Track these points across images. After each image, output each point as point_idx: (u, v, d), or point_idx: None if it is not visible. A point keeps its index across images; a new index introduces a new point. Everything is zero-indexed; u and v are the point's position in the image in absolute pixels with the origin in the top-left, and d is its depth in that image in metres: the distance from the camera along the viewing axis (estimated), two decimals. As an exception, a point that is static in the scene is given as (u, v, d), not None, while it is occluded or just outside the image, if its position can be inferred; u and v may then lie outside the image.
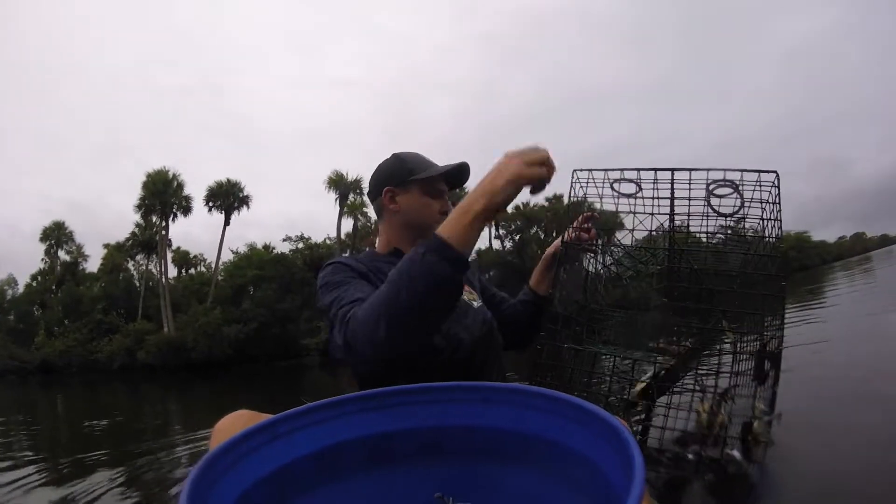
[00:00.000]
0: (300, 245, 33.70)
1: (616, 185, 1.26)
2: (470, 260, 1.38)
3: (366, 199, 31.14)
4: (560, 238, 1.36)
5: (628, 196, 1.27)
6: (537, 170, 0.83)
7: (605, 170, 1.25)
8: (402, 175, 1.19)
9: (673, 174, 1.18)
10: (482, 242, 37.98)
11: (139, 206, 31.95)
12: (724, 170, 1.17)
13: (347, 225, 32.13)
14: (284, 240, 33.87)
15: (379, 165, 1.25)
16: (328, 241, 33.13)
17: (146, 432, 5.37)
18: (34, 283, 36.50)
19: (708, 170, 1.17)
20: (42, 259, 36.45)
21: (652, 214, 1.28)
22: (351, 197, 30.84)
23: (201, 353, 26.12)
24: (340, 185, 30.65)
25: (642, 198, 1.26)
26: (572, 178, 1.26)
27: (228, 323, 26.90)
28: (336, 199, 30.77)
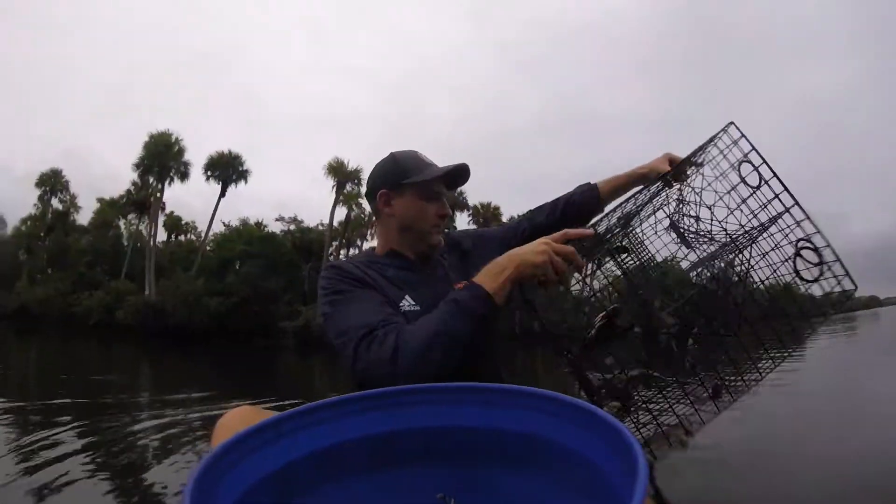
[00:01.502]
0: (292, 227, 34.12)
1: (743, 170, 1.08)
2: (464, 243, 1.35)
3: (362, 189, 30.72)
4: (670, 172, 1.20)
5: (746, 185, 1.09)
6: (559, 264, 0.96)
7: (755, 148, 1.06)
8: (396, 177, 1.17)
9: (792, 206, 1.04)
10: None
11: (137, 166, 32.16)
12: (827, 243, 1.04)
13: (341, 213, 32.52)
14: (277, 219, 34.22)
15: (376, 165, 1.23)
16: (320, 227, 33.40)
17: (114, 390, 5.60)
18: (23, 228, 36.71)
19: (817, 230, 1.04)
20: (34, 204, 36.68)
21: (761, 232, 1.11)
22: (349, 186, 31.04)
23: (179, 320, 26.32)
24: (339, 173, 30.75)
25: (745, 199, 1.10)
26: (726, 126, 1.09)
27: (210, 294, 27.06)
28: (333, 187, 31.00)
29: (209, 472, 0.44)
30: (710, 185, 1.13)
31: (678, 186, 1.20)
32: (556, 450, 0.52)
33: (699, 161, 1.17)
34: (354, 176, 30.99)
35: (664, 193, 1.24)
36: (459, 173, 1.21)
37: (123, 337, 23.83)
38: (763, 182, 1.05)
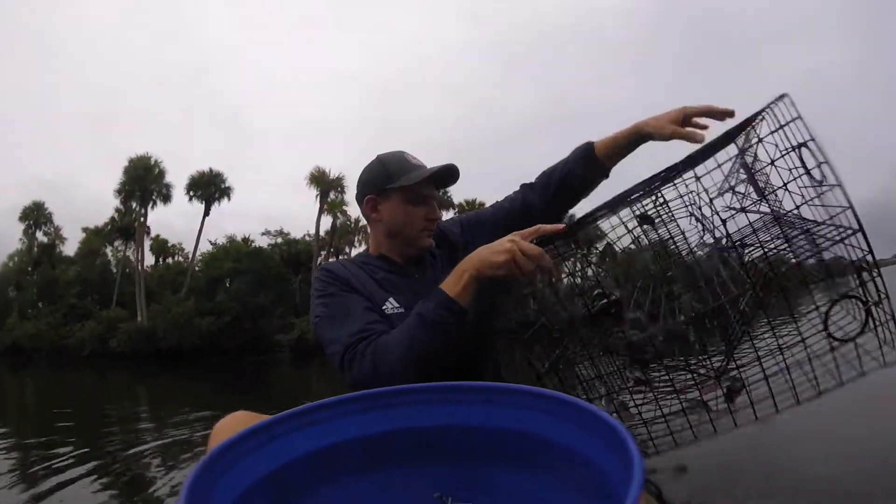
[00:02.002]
0: (279, 240, 34.15)
1: (805, 157, 0.90)
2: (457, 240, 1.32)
3: (346, 197, 30.36)
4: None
5: (810, 177, 0.91)
6: (524, 263, 0.93)
7: (813, 139, 0.88)
8: (382, 182, 1.17)
9: (856, 232, 0.87)
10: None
11: (119, 191, 32.23)
12: (885, 293, 0.88)
13: (327, 223, 32.52)
14: (263, 234, 34.38)
15: (363, 170, 1.23)
16: (307, 238, 33.44)
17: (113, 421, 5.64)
18: (10, 264, 36.71)
19: (869, 250, 0.87)
20: (20, 239, 36.70)
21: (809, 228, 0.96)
22: (332, 195, 30.98)
23: (172, 343, 26.39)
24: (322, 182, 30.72)
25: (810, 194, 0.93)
26: (778, 98, 0.93)
27: (201, 315, 27.12)
28: (316, 196, 31.04)
29: (204, 474, 0.45)
30: (769, 163, 0.94)
31: (741, 146, 1.01)
32: (555, 449, 0.53)
33: (749, 138, 0.98)
34: (337, 184, 31.00)
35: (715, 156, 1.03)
36: (446, 174, 1.19)
37: (117, 365, 23.73)
38: (825, 185, 0.88)
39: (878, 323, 0.87)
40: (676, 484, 1.51)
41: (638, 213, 1.09)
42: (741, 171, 1.01)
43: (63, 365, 23.94)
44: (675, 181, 1.07)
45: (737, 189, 1.02)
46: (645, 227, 1.12)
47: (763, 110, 0.96)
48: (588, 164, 1.20)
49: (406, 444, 0.60)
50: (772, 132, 0.92)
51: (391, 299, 1.13)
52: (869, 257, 0.86)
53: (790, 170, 0.91)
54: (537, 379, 1.05)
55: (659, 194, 1.08)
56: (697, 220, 1.10)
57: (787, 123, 0.89)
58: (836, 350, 0.91)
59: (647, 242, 1.16)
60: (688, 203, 1.11)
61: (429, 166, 1.19)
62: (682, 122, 1.07)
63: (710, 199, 1.00)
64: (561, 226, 0.99)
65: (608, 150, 1.19)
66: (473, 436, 0.59)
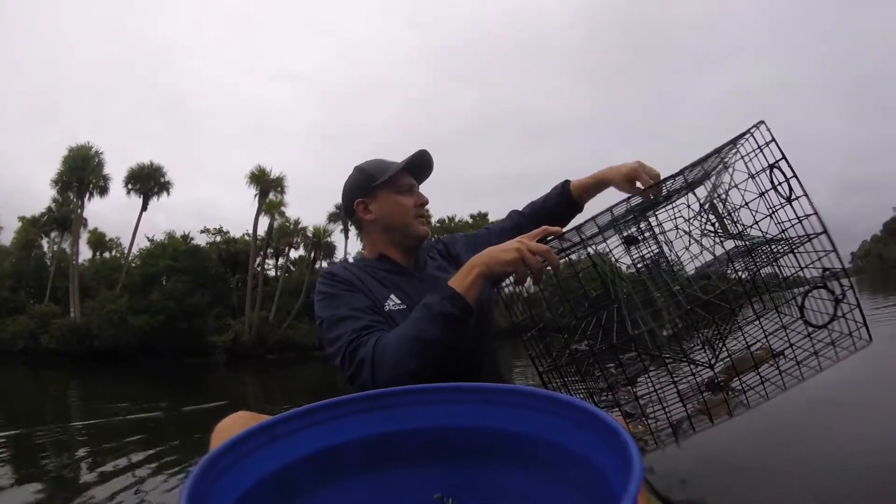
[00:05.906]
0: (218, 238, 34.95)
1: (775, 176, 0.99)
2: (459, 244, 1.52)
3: (285, 198, 31.16)
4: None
5: (778, 194, 1.00)
6: (533, 261, 1.02)
7: (785, 157, 0.97)
8: (366, 183, 1.30)
9: (821, 235, 0.97)
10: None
11: (56, 181, 32.36)
12: (850, 285, 0.99)
13: (266, 223, 32.77)
14: (203, 231, 35.03)
15: (345, 182, 1.36)
16: (246, 237, 34.10)
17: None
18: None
19: (842, 270, 0.99)
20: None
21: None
22: (272, 195, 31.69)
23: (105, 341, 27.06)
24: (262, 181, 31.36)
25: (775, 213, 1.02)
26: (753, 128, 1.00)
27: (136, 313, 27.65)
28: (256, 195, 31.54)
29: (205, 475, 0.47)
30: (737, 185, 1.05)
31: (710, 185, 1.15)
32: (555, 449, 0.55)
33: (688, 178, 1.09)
34: (277, 184, 31.67)
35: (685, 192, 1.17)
36: (422, 162, 1.33)
37: (51, 362, 24.54)
38: (794, 197, 0.99)
39: (845, 313, 0.99)
40: (676, 484, 1.54)
41: (624, 234, 1.21)
42: (716, 198, 1.13)
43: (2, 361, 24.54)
44: (658, 208, 1.18)
45: (711, 215, 1.14)
46: (631, 248, 1.22)
47: (740, 137, 1.04)
48: (565, 201, 1.42)
49: (407, 444, 0.62)
50: (742, 157, 1.04)
51: (392, 296, 1.23)
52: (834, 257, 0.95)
53: (762, 194, 1.02)
54: (539, 377, 1.12)
55: (643, 218, 1.19)
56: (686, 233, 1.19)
57: (761, 148, 0.99)
58: (811, 336, 1.03)
59: (632, 261, 1.27)
60: (672, 221, 1.21)
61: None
62: (633, 179, 1.28)
63: (689, 219, 1.13)
64: (563, 229, 1.09)
65: (579, 193, 1.41)
66: (473, 436, 0.62)
